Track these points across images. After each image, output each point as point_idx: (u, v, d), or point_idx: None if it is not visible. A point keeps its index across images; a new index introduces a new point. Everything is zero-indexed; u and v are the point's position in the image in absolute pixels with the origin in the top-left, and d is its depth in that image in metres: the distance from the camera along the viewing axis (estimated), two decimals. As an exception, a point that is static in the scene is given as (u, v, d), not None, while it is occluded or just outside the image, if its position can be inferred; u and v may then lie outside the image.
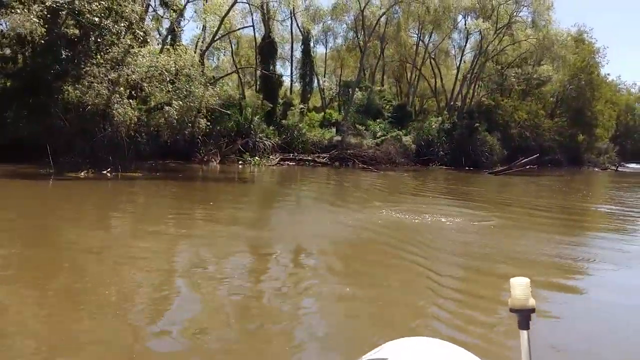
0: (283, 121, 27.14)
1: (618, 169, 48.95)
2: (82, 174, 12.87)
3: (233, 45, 33.87)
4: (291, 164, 24.85)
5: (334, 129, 28.29)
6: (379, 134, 28.08)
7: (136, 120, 14.87)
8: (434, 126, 30.37)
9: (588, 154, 47.90)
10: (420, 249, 6.84)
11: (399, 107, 33.29)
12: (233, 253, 6.44)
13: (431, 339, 1.42)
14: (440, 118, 31.88)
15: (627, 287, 5.73)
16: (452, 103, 35.30)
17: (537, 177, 26.28)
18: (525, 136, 36.86)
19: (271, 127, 26.19)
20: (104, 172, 13.48)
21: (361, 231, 8.08)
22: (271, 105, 26.10)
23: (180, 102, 15.71)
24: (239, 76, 32.50)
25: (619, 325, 4.51)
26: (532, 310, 1.34)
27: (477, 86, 35.99)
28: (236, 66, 33.86)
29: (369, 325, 4.25)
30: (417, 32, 35.66)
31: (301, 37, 32.71)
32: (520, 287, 1.35)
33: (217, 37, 23.92)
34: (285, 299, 4.79)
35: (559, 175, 30.69)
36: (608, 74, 57.40)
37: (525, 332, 1.34)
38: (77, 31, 16.05)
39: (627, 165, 60.43)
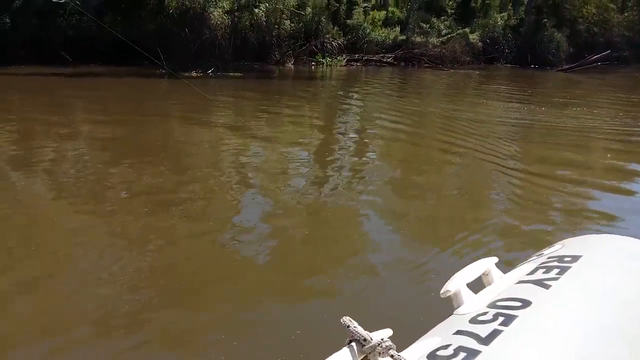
0: (348, 21, 27.24)
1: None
2: (194, 73, 14.19)
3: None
4: (358, 64, 25.40)
5: (397, 28, 28.20)
6: (444, 32, 27.89)
7: (229, 23, 15.79)
8: (499, 23, 29.75)
9: (659, 50, 45.43)
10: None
11: (462, 3, 32.40)
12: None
13: (614, 235, 1.39)
14: (505, 14, 31.05)
15: None
16: (517, -2, 33.98)
17: (605, 74, 25.93)
18: (593, 32, 35.42)
19: (336, 28, 26.43)
20: (208, 72, 14.75)
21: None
22: (337, 5, 26.17)
23: (267, 4, 16.41)
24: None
25: None
26: None
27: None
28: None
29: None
30: None
31: None
32: None
33: None
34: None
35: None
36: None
37: None
38: None
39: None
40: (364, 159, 6.83)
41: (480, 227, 4.34)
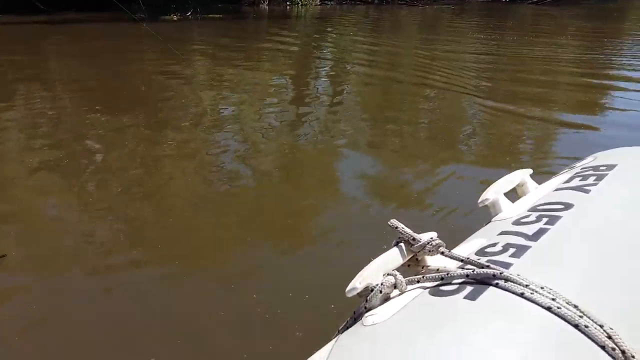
0: (319, -42, 26.72)
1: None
2: (174, 16, 14.15)
3: None
4: (332, 3, 25.19)
5: (370, -35, 27.77)
6: (417, -33, 27.61)
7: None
8: (471, -45, 29.52)
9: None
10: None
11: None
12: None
13: None
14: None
15: None
16: None
17: (576, 6, 26.29)
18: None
19: (308, -34, 25.95)
20: (187, 14, 14.72)
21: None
22: (308, -59, 25.55)
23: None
24: None
25: None
26: None
27: None
28: None
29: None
30: None
31: None
32: None
33: None
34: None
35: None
36: None
37: None
38: None
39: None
40: (338, 95, 7.07)
41: (455, 157, 4.53)
